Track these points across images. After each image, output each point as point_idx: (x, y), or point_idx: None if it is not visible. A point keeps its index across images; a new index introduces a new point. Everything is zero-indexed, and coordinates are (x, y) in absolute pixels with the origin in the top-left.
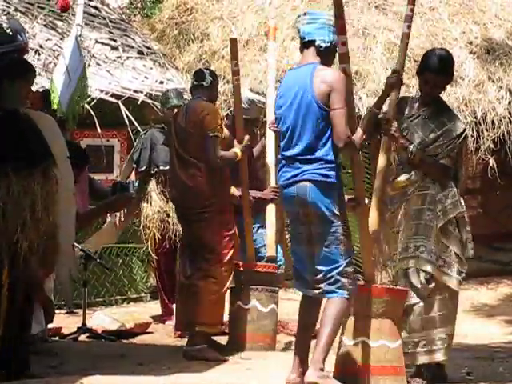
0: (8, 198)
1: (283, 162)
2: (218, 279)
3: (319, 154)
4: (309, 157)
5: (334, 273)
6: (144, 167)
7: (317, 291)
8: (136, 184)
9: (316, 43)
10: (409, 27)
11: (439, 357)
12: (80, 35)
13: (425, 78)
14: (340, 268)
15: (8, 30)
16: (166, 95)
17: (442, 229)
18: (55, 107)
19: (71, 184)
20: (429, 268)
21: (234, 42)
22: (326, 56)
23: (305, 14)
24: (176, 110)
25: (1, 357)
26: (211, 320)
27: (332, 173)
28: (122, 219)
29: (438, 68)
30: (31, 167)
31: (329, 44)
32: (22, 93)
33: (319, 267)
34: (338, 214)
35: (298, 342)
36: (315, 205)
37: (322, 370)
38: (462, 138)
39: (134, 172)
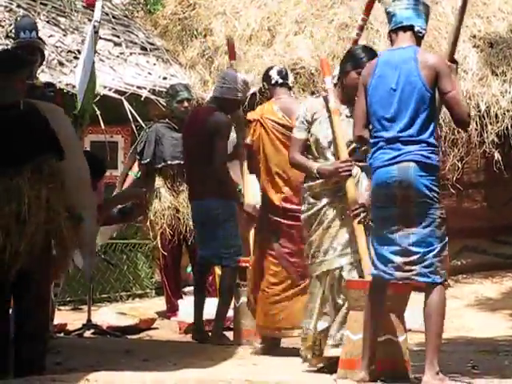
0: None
1: (380, 143)
2: (298, 284)
3: (422, 136)
4: (412, 138)
5: (429, 255)
6: (147, 160)
7: (408, 273)
8: (138, 175)
9: (415, 29)
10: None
11: None
12: (97, 32)
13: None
14: (435, 251)
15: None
16: (175, 88)
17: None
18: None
19: (85, 175)
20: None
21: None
22: (419, 43)
23: None
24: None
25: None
26: (293, 324)
27: (433, 155)
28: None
29: None
30: (19, 166)
31: (424, 31)
32: (18, 87)
33: (414, 249)
34: (436, 196)
35: (368, 337)
36: (417, 186)
37: (437, 373)
38: None
39: (136, 164)
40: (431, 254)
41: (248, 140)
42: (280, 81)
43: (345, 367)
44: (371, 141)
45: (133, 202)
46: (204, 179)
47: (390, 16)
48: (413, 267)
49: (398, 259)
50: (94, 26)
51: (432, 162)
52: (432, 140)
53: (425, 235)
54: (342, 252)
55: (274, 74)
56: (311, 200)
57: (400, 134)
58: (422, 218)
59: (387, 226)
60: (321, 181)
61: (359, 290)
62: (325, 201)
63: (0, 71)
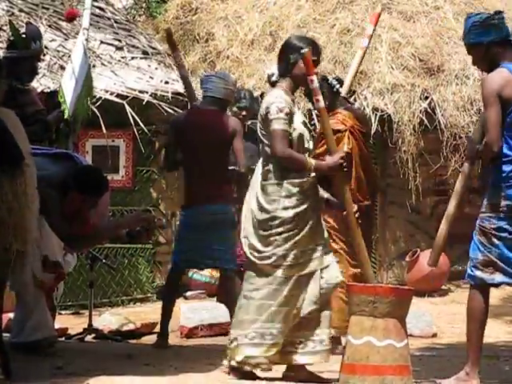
0: (1, 200)
1: None
2: None
3: None
4: None
5: None
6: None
7: None
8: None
9: None
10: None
11: None
12: (87, 39)
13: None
14: None
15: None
16: (240, 94)
17: None
18: (64, 110)
19: (35, 181)
20: None
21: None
22: None
23: (499, 12)
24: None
25: None
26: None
27: None
28: None
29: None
30: (16, 166)
31: None
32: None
33: None
34: None
35: (476, 344)
36: None
37: None
38: None
39: None
40: None
41: (346, 148)
42: (340, 89)
43: (346, 372)
44: None
45: (142, 226)
46: (218, 183)
47: (494, 27)
48: None
49: None
50: (84, 34)
51: None
52: None
53: None
54: (326, 250)
55: (334, 82)
56: (299, 196)
57: None
58: None
59: None
60: (310, 178)
61: (361, 294)
62: (311, 199)
63: None
